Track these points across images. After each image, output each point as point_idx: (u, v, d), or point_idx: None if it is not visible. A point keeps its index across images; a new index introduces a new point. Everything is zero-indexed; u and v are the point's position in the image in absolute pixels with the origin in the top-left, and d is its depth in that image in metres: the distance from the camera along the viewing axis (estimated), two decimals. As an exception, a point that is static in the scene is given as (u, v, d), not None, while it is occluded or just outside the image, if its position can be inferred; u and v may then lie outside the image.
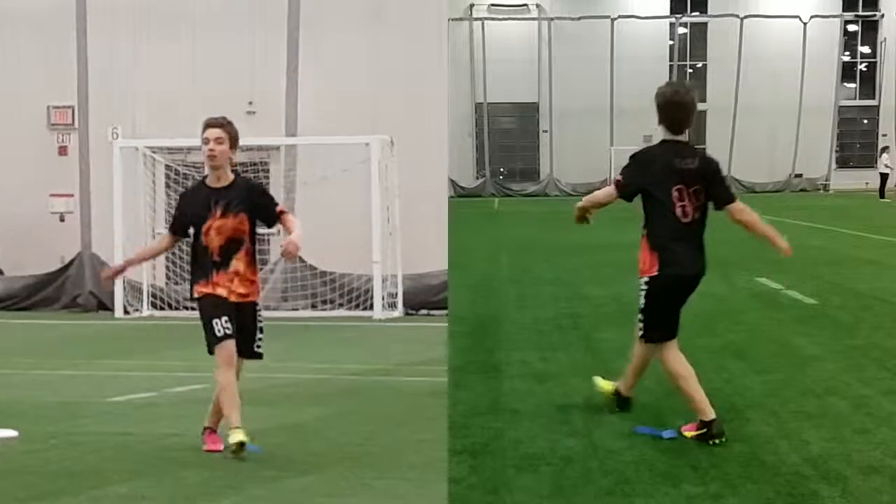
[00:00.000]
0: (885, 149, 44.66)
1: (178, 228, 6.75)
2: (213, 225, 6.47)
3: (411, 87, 16.22)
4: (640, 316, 6.30)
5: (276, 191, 16.85)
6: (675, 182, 6.14)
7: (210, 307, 6.43)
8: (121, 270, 7.52)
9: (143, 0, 17.19)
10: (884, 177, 41.51)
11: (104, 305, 16.60)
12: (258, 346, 6.64)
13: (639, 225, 6.31)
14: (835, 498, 5.06)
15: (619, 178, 6.31)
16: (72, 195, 17.14)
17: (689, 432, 6.11)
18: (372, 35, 16.55)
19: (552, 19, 52.65)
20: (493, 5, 53.32)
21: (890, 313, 11.12)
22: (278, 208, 6.64)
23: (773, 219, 27.50)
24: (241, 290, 6.49)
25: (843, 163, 55.24)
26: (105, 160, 16.47)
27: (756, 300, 12.45)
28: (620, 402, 6.75)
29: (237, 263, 6.47)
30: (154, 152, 16.78)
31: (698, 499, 5.08)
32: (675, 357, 6.28)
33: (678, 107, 6.33)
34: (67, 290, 16.92)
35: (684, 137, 6.39)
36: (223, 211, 6.47)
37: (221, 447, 6.52)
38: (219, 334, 6.38)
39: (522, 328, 10.48)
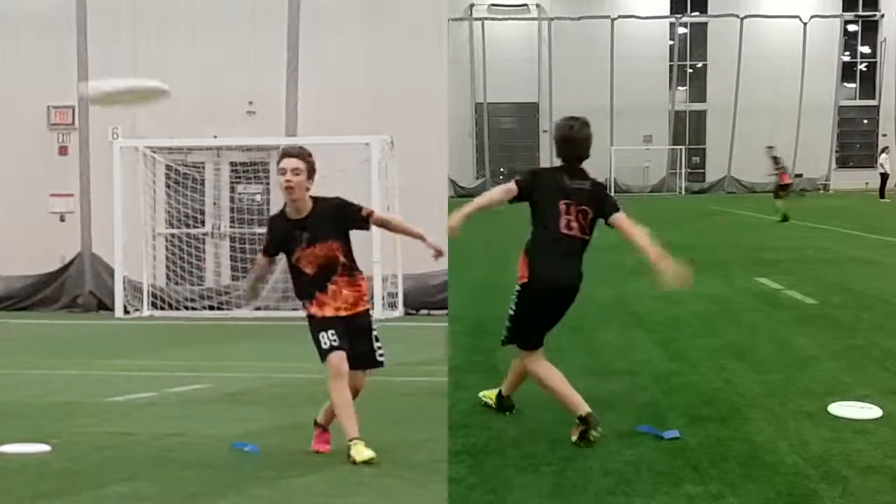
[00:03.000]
0: (885, 149, 44.68)
1: (268, 251, 6.60)
2: (302, 256, 6.39)
3: (411, 87, 16.20)
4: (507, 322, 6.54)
5: (276, 191, 16.87)
6: (562, 197, 6.41)
7: (317, 323, 6.35)
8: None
9: (143, 0, 17.18)
10: (884, 177, 41.51)
11: (104, 305, 16.60)
12: (380, 356, 6.53)
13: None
14: (835, 498, 5.06)
15: (516, 179, 6.66)
16: (72, 195, 17.13)
17: (573, 436, 6.08)
18: (372, 35, 16.54)
19: (552, 19, 52.67)
20: (493, 5, 53.35)
21: (890, 313, 11.12)
22: (364, 212, 6.52)
23: (773, 219, 27.49)
24: (349, 303, 6.41)
25: (843, 163, 55.28)
26: (105, 160, 16.46)
27: (756, 300, 12.45)
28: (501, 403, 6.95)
29: (336, 284, 6.39)
30: (154, 152, 16.78)
31: (698, 499, 5.07)
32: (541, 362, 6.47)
33: (576, 143, 6.53)
34: (67, 290, 16.92)
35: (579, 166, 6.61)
36: (307, 243, 6.37)
37: (328, 448, 6.52)
38: (323, 347, 6.30)
39: (522, 328, 10.45)
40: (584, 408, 6.14)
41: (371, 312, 6.59)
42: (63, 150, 17.28)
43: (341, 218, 6.45)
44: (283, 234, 6.44)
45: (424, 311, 15.75)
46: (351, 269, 6.44)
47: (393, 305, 15.72)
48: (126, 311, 16.16)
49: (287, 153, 6.43)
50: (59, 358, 11.75)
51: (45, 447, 6.78)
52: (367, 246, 15.31)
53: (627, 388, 7.54)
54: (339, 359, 6.24)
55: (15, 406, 8.49)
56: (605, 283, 13.92)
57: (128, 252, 16.33)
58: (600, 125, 53.60)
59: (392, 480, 5.97)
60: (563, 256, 6.41)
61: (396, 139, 15.77)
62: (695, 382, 7.71)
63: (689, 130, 54.48)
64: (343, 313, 6.36)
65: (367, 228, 6.58)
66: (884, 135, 53.29)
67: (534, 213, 6.57)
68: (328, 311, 6.35)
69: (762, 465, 5.58)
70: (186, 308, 16.37)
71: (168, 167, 16.89)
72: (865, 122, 56.43)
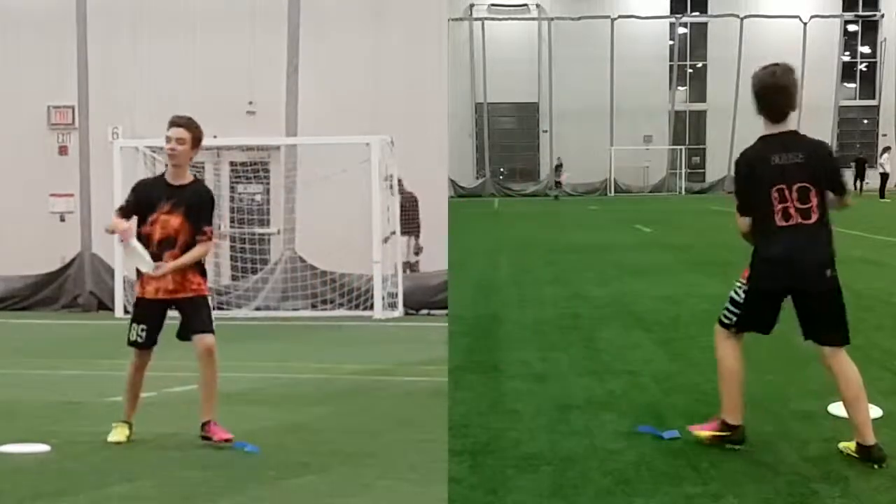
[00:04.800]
0: (886, 149, 44.67)
1: (126, 213, 6.96)
2: (159, 218, 6.82)
3: (411, 87, 16.23)
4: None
5: (277, 191, 16.88)
6: (774, 183, 5.55)
7: (135, 311, 6.99)
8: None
9: (143, 0, 17.20)
10: (884, 177, 41.48)
11: (104, 305, 16.61)
12: (211, 323, 6.83)
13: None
14: (835, 498, 5.05)
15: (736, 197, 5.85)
16: (72, 195, 17.15)
17: (703, 432, 5.89)
18: (372, 35, 16.56)
19: (552, 19, 52.67)
20: (493, 5, 53.36)
21: (890, 313, 11.11)
22: (205, 227, 6.86)
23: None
24: (172, 287, 6.78)
25: (843, 163, 55.27)
26: (105, 160, 16.48)
27: (756, 300, 12.42)
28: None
29: (168, 260, 6.76)
30: (154, 152, 16.77)
31: (698, 499, 5.07)
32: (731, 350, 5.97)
33: (779, 91, 5.59)
34: (67, 290, 16.93)
35: (787, 126, 5.68)
36: (170, 208, 6.81)
37: (228, 435, 6.71)
38: (130, 338, 6.90)
39: (522, 328, 10.48)
40: (738, 418, 5.77)
41: (208, 297, 6.91)
42: (63, 150, 17.30)
43: (202, 207, 6.90)
44: (153, 196, 6.86)
45: (424, 311, 15.75)
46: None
47: (393, 305, 15.71)
48: (126, 311, 16.13)
49: (175, 122, 6.95)
50: (59, 358, 11.75)
51: (44, 447, 6.78)
52: (368, 246, 15.37)
53: (627, 388, 7.53)
54: (138, 355, 6.93)
55: (15, 406, 8.49)
56: (604, 283, 13.93)
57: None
58: (600, 125, 53.91)
59: (392, 480, 5.97)
60: (787, 253, 5.57)
61: (396, 139, 15.77)
62: (695, 382, 7.70)
63: (688, 130, 54.48)
64: (161, 296, 6.80)
65: (194, 236, 6.80)
66: (884, 135, 53.28)
67: (752, 204, 5.71)
68: (148, 292, 6.82)
69: (762, 465, 5.58)
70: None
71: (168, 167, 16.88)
72: (865, 122, 56.44)
